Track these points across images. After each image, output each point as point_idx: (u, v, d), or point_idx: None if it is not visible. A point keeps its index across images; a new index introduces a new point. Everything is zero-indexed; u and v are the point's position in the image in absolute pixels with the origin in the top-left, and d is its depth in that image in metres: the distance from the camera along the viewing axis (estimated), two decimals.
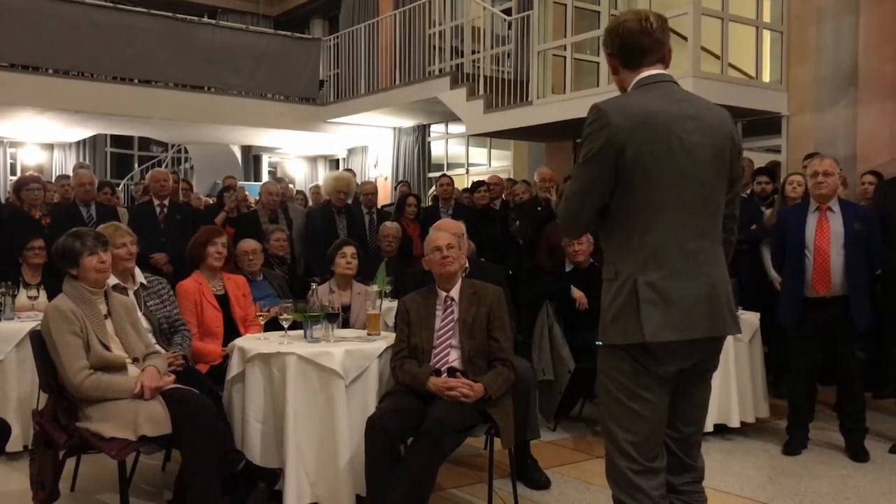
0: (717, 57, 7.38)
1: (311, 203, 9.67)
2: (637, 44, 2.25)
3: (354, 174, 9.57)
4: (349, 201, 7.10)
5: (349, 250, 4.65)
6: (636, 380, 2.22)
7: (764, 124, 7.89)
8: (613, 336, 2.23)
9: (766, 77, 7.84)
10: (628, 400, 2.23)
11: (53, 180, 9.12)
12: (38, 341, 3.33)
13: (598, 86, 7.83)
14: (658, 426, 2.26)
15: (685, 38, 7.06)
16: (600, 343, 2.31)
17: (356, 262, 4.67)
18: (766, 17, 7.74)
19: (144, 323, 3.82)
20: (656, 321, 2.15)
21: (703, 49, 7.22)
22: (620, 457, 2.25)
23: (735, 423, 4.74)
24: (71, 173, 8.25)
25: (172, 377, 3.41)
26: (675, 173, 2.17)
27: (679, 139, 2.17)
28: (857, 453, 4.44)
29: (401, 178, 11.80)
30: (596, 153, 2.17)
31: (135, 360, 3.39)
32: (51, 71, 10.05)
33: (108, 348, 3.30)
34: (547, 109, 8.18)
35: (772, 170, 6.81)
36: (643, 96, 2.22)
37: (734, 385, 4.73)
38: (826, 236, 4.40)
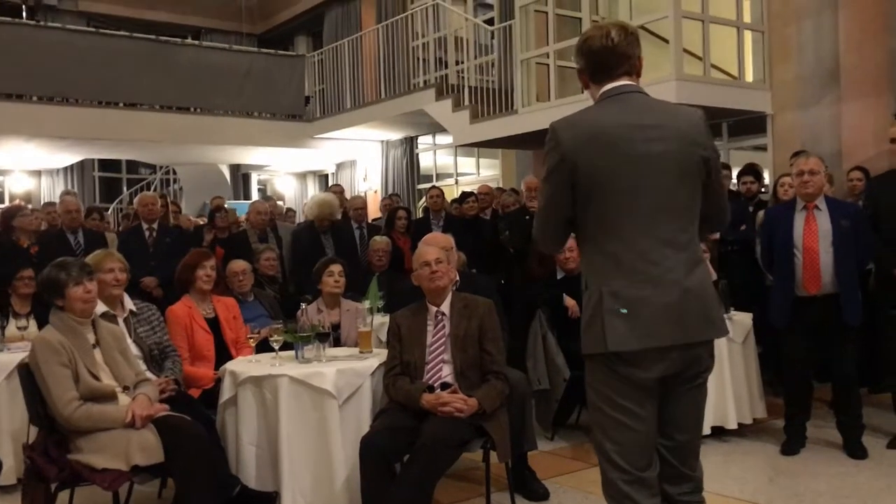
0: (699, 59, 7.40)
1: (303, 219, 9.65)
2: (601, 61, 2.29)
3: (343, 189, 9.54)
4: (336, 218, 7.07)
5: (336, 268, 4.63)
6: (617, 389, 2.22)
7: (749, 124, 7.92)
8: (585, 346, 2.27)
9: (749, 77, 7.86)
10: (611, 410, 2.23)
11: (41, 207, 9.08)
12: (27, 374, 3.30)
13: (582, 93, 7.81)
14: (645, 435, 2.24)
15: (667, 41, 7.08)
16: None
17: (344, 281, 4.65)
18: (747, 18, 7.76)
19: (134, 350, 3.79)
20: (620, 331, 2.17)
21: (686, 51, 7.23)
22: (611, 468, 2.25)
23: (732, 425, 4.73)
24: (58, 200, 8.21)
25: (165, 406, 3.38)
26: (633, 183, 2.19)
27: (634, 149, 2.19)
28: (855, 450, 4.43)
29: (390, 190, 11.80)
30: (552, 171, 2.25)
31: (125, 389, 3.36)
32: (34, 98, 10.05)
33: (97, 378, 3.27)
34: (532, 117, 8.18)
35: (758, 169, 6.82)
36: (599, 111, 2.28)
37: (730, 387, 4.72)
38: (814, 235, 4.41)
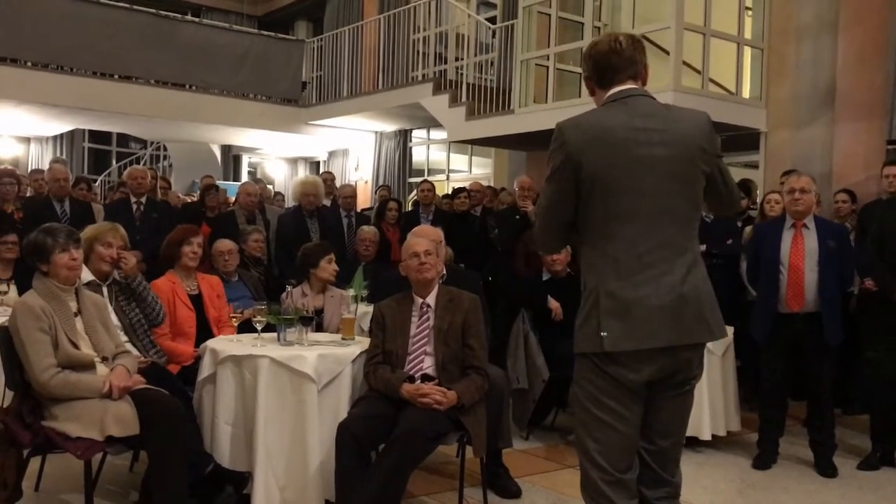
0: (698, 72, 7.43)
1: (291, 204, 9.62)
2: (608, 63, 2.33)
3: (334, 177, 9.52)
4: (322, 203, 7.05)
5: (332, 256, 4.63)
6: (604, 389, 2.24)
7: (742, 140, 7.95)
8: (579, 345, 2.28)
9: (745, 93, 7.90)
10: (597, 409, 2.25)
11: (28, 174, 9.01)
12: (6, 338, 3.27)
13: (579, 96, 7.85)
14: (628, 437, 2.27)
15: (667, 53, 7.10)
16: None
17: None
18: (748, 34, 7.81)
19: (115, 320, 3.77)
20: (615, 331, 2.18)
21: (685, 63, 7.26)
22: (592, 467, 2.27)
23: (706, 436, 4.75)
24: (46, 167, 8.15)
25: (142, 378, 3.36)
26: (634, 185, 2.21)
27: (638, 152, 2.22)
28: (826, 469, 4.47)
29: (381, 181, 11.78)
30: (556, 170, 2.26)
31: (104, 360, 3.34)
32: (29, 64, 9.94)
33: (76, 346, 3.25)
34: (528, 118, 8.19)
35: (747, 186, 6.87)
36: (605, 112, 2.30)
37: (706, 398, 4.74)
38: (801, 253, 4.44)
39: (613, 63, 2.32)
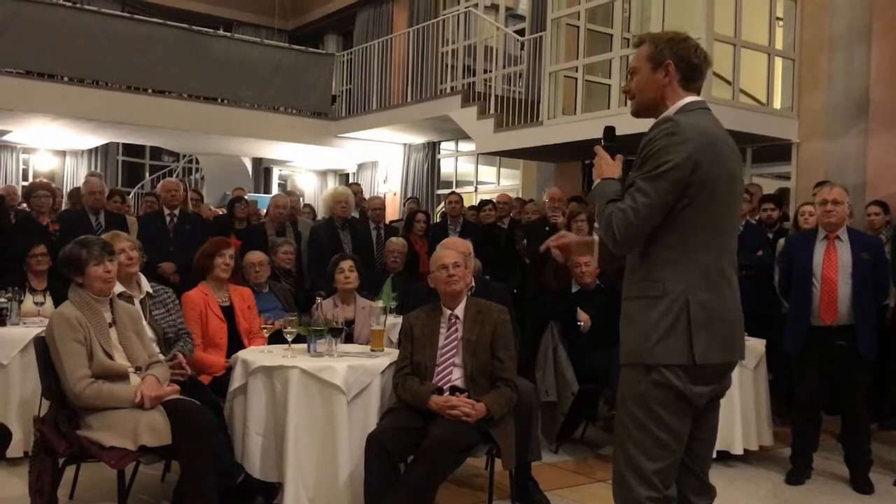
0: (728, 83, 7.39)
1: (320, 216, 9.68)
2: (701, 69, 2.31)
3: (361, 189, 9.57)
4: (352, 214, 7.10)
5: (346, 264, 4.68)
6: (668, 405, 2.19)
7: (774, 151, 7.88)
8: (660, 356, 2.18)
9: (777, 104, 7.83)
10: (657, 429, 2.20)
11: (65, 187, 9.17)
12: (42, 348, 3.33)
13: (608, 108, 7.84)
14: (679, 453, 2.26)
15: None
16: (625, 363, 2.29)
17: (355, 275, 4.69)
18: (779, 45, 7.75)
19: (149, 332, 3.82)
20: (705, 343, 2.17)
21: (715, 75, 7.22)
22: (641, 485, 2.21)
23: (738, 451, 4.70)
24: (81, 180, 8.30)
25: (176, 387, 3.40)
26: (727, 198, 2.24)
27: (730, 167, 2.25)
28: (862, 485, 4.39)
29: (410, 194, 11.83)
30: (674, 167, 2.14)
31: (138, 370, 3.39)
32: (65, 79, 10.13)
33: (111, 357, 3.30)
34: (557, 130, 8.19)
35: (779, 197, 6.80)
36: (704, 119, 2.26)
37: (738, 412, 4.69)
38: (833, 265, 4.39)
39: (703, 71, 2.31)
